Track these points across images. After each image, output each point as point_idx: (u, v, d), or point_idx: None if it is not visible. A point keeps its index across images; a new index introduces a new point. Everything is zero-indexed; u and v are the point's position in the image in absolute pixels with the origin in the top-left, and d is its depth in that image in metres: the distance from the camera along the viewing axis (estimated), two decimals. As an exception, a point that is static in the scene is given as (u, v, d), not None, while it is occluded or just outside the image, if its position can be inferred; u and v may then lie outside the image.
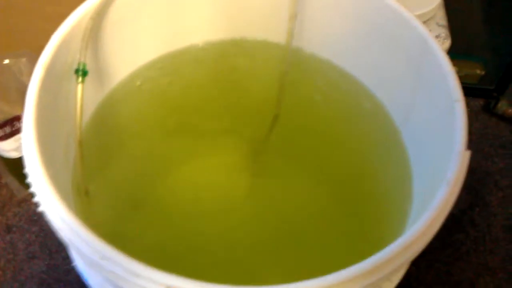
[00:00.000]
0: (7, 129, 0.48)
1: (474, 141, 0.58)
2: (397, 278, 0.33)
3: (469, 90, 0.60)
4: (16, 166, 0.50)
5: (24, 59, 0.47)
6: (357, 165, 0.42)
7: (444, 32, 0.51)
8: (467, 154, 0.30)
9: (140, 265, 0.25)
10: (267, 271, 0.37)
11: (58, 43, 0.34)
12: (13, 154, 0.49)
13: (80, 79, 0.35)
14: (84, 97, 0.35)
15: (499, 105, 0.58)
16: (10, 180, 0.53)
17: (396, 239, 0.27)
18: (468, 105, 0.60)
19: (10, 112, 0.48)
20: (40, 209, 0.28)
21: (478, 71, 0.60)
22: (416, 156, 0.39)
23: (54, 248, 0.49)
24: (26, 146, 0.29)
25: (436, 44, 0.35)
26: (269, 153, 0.44)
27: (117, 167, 0.41)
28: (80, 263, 0.34)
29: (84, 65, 0.35)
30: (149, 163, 0.42)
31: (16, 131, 0.48)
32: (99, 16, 0.37)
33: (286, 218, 0.40)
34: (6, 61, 0.48)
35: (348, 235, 0.39)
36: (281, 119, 0.43)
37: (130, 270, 0.25)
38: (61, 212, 0.27)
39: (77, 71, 0.35)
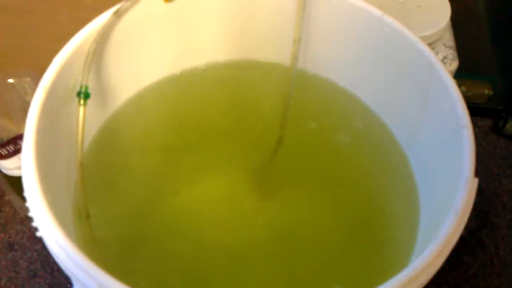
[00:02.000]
0: (11, 148, 0.48)
1: (482, 162, 0.57)
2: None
3: (477, 110, 0.59)
4: (19, 184, 0.50)
5: (28, 79, 0.48)
6: (363, 188, 0.42)
7: (451, 53, 0.51)
8: (475, 182, 0.30)
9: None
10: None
11: (60, 66, 0.34)
12: (16, 172, 0.49)
13: (82, 101, 0.35)
14: (86, 120, 0.35)
15: (508, 125, 0.58)
16: (13, 197, 0.52)
17: (402, 267, 0.26)
18: (476, 125, 0.59)
19: (14, 131, 0.48)
20: (39, 234, 0.28)
21: (486, 91, 0.59)
22: (423, 181, 0.39)
23: (56, 267, 0.49)
24: (25, 170, 0.29)
25: (443, 68, 0.35)
26: (274, 175, 0.43)
27: (119, 190, 0.41)
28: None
29: (86, 88, 0.35)
30: (152, 186, 0.42)
31: (20, 150, 0.48)
32: (103, 38, 0.37)
33: (289, 241, 0.39)
34: (11, 80, 0.48)
35: (352, 262, 0.38)
36: (285, 141, 0.43)
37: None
38: (58, 237, 0.27)
39: (79, 93, 0.35)
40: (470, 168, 0.30)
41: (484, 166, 0.57)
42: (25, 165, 0.29)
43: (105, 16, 0.37)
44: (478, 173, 0.30)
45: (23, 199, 0.51)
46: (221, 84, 0.47)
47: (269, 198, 0.42)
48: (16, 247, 0.50)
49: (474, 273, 0.49)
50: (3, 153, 0.47)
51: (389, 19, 0.38)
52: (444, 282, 0.49)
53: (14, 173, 0.49)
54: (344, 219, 0.41)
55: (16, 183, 0.51)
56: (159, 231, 0.39)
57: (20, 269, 0.49)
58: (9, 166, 0.49)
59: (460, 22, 0.55)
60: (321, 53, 0.44)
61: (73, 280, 0.34)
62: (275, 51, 0.46)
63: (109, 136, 0.42)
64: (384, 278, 0.26)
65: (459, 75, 0.49)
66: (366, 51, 0.41)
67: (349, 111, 0.45)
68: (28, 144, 0.30)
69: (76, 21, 0.37)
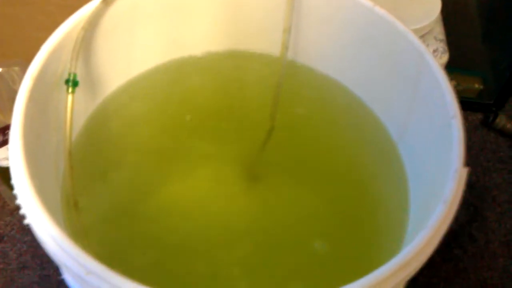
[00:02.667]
0: (-1, 138, 0.48)
1: (472, 156, 0.57)
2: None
3: (467, 105, 0.60)
4: (8, 175, 0.50)
5: (17, 68, 0.47)
6: (353, 178, 0.42)
7: (442, 46, 0.51)
8: (464, 171, 0.30)
9: (128, 281, 0.24)
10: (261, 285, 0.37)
11: (47, 53, 0.33)
12: (5, 163, 0.49)
13: (70, 89, 0.34)
14: (75, 108, 0.35)
15: (498, 119, 0.58)
16: (3, 189, 0.52)
17: (391, 256, 0.26)
18: (466, 119, 0.59)
19: (2, 121, 0.48)
20: (26, 221, 0.27)
21: (476, 86, 0.60)
22: (413, 171, 0.39)
23: (46, 259, 0.48)
24: (12, 157, 0.29)
25: (433, 59, 0.35)
26: (264, 165, 0.43)
27: (109, 180, 0.40)
28: (68, 276, 0.33)
29: (75, 75, 0.35)
30: (142, 175, 0.41)
31: (8, 140, 0.48)
32: (91, 25, 0.36)
33: (281, 231, 0.39)
34: (-1, 70, 0.48)
35: (341, 252, 0.38)
36: (276, 131, 0.43)
37: (117, 287, 0.24)
38: (46, 224, 0.26)
39: (67, 81, 0.34)
40: (459, 158, 0.30)
41: (474, 160, 0.57)
42: (12, 152, 0.29)
43: (94, 3, 0.37)
44: (468, 166, 0.30)
45: (13, 190, 0.51)
46: (212, 74, 0.47)
47: (260, 188, 0.42)
48: (5, 238, 0.50)
49: (465, 266, 0.50)
50: (-9, 143, 0.47)
51: (380, 10, 0.38)
52: (435, 275, 0.49)
53: (3, 163, 0.49)
54: (333, 209, 0.41)
55: (5, 174, 0.50)
56: (148, 221, 0.39)
57: (10, 261, 0.48)
58: (-3, 156, 0.48)
59: (451, 17, 0.55)
60: (312, 44, 0.44)
61: (61, 268, 0.33)
62: (266, 41, 0.45)
63: (99, 125, 0.41)
64: (373, 267, 0.26)
65: (450, 69, 0.49)
66: (357, 42, 0.41)
67: (339, 102, 0.44)
68: (15, 131, 0.30)
69: (66, 11, 0.37)
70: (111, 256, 0.35)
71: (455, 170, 0.29)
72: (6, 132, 0.48)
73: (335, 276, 0.36)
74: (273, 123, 0.43)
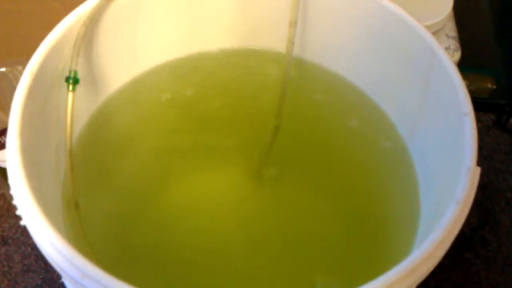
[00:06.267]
0: (2, 139, 0.47)
1: (485, 157, 0.56)
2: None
3: (480, 105, 0.59)
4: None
5: (20, 67, 0.47)
6: (362, 178, 0.41)
7: (453, 44, 0.50)
8: (477, 171, 0.29)
9: (124, 285, 0.24)
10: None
11: (47, 49, 0.33)
12: (9, 165, 0.49)
13: (71, 87, 0.34)
14: (76, 107, 0.34)
15: (511, 120, 0.57)
16: (7, 190, 0.52)
17: (401, 259, 0.26)
18: (479, 120, 0.59)
19: (6, 121, 0.47)
20: (22, 222, 0.27)
21: (489, 85, 0.59)
22: (423, 171, 0.38)
23: (49, 262, 0.48)
24: (9, 156, 0.28)
25: (444, 54, 0.34)
26: (271, 165, 0.42)
27: (110, 180, 0.40)
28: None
29: (75, 73, 0.34)
30: (145, 177, 0.41)
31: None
32: (93, 21, 0.36)
33: (289, 231, 0.39)
34: (2, 69, 0.48)
35: (351, 254, 0.37)
36: (283, 130, 0.42)
37: (113, 291, 0.24)
38: (41, 225, 0.26)
39: (67, 79, 0.34)
40: (472, 156, 0.29)
41: (487, 162, 0.56)
42: (9, 151, 0.29)
43: (95, -1, 0.36)
44: (480, 168, 0.29)
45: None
46: (217, 72, 0.46)
47: (267, 188, 0.41)
48: (10, 241, 0.49)
49: (477, 270, 0.49)
50: (-6, 144, 0.47)
51: (390, 4, 0.37)
52: (446, 279, 0.48)
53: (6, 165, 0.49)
54: (342, 210, 0.40)
55: (9, 176, 0.50)
56: (151, 222, 0.38)
57: (14, 264, 0.48)
58: (2, 157, 0.48)
59: (463, 15, 0.54)
60: (320, 41, 0.43)
61: (58, 271, 0.33)
62: (273, 39, 0.45)
63: (101, 124, 0.41)
64: (383, 270, 0.25)
65: (462, 69, 0.49)
66: (366, 37, 0.40)
67: (347, 100, 0.44)
68: (13, 129, 0.29)
69: (71, 8, 0.36)
70: (112, 259, 0.35)
71: (468, 168, 0.29)
72: (9, 132, 0.47)
73: (344, 279, 0.36)
74: (279, 122, 0.42)
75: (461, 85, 0.32)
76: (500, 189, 0.54)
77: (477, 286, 0.48)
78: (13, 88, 0.47)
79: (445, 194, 0.31)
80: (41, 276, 0.47)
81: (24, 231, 0.50)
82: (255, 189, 0.41)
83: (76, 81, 0.34)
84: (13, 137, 0.29)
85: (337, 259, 0.37)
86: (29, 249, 0.49)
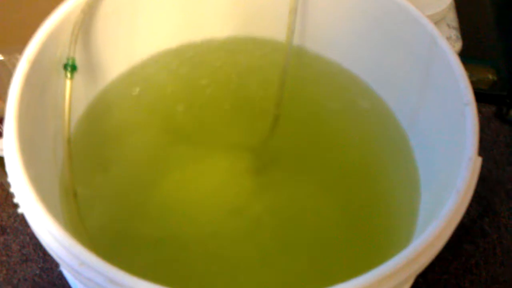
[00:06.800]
0: (1, 128, 0.47)
1: (485, 149, 0.56)
2: (403, 291, 0.31)
3: (480, 96, 0.58)
4: (9, 165, 0.50)
5: (18, 55, 0.47)
6: (362, 168, 0.41)
7: (455, 33, 0.50)
8: (478, 161, 0.29)
9: (122, 273, 0.23)
10: (270, 280, 0.36)
11: (45, 36, 0.32)
12: (8, 154, 0.48)
13: (69, 74, 0.34)
14: (74, 94, 0.34)
15: (512, 112, 0.57)
16: (6, 180, 0.52)
17: (402, 248, 0.25)
18: (479, 111, 0.58)
19: (4, 109, 0.47)
20: (20, 210, 0.27)
21: (490, 76, 0.58)
22: (424, 161, 0.38)
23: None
24: (6, 144, 0.28)
25: (446, 43, 0.34)
26: (271, 155, 0.42)
27: (109, 169, 0.40)
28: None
29: (73, 60, 0.34)
30: (143, 165, 0.41)
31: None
32: (91, 8, 0.35)
33: (289, 223, 0.39)
34: (0, 58, 0.47)
35: (351, 245, 0.37)
36: (282, 120, 0.42)
37: (111, 279, 0.23)
38: (39, 213, 0.26)
39: (65, 66, 0.34)
40: (473, 146, 0.29)
41: (487, 153, 0.56)
42: (6, 139, 0.28)
43: (94, -14, 0.36)
44: (481, 158, 0.29)
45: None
46: (217, 61, 0.46)
47: (266, 178, 0.41)
48: (8, 230, 0.49)
49: (476, 262, 0.49)
50: (-8, 133, 0.47)
51: (391, -7, 0.37)
52: (445, 271, 0.48)
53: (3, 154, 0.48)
54: (342, 199, 0.40)
55: (7, 164, 0.50)
56: (150, 211, 0.38)
57: (12, 253, 0.48)
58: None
59: (464, 6, 0.54)
60: (320, 29, 0.43)
61: (56, 260, 0.33)
62: (273, 27, 0.44)
63: (99, 113, 0.41)
64: (383, 260, 0.25)
65: (463, 60, 0.49)
66: (367, 26, 0.40)
67: (348, 90, 0.43)
68: (10, 117, 0.29)
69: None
70: (110, 247, 0.34)
71: (469, 158, 0.28)
72: (7, 121, 0.47)
73: (343, 270, 0.35)
74: (278, 111, 0.42)
75: (462, 75, 0.32)
76: (500, 181, 0.54)
77: (476, 278, 0.48)
78: (11, 77, 0.47)
79: (445, 183, 0.31)
80: (39, 265, 0.47)
81: (23, 220, 0.50)
82: (254, 177, 0.41)
83: (74, 68, 0.34)
84: (10, 125, 0.29)
85: (336, 248, 0.37)
86: (28, 238, 0.49)
